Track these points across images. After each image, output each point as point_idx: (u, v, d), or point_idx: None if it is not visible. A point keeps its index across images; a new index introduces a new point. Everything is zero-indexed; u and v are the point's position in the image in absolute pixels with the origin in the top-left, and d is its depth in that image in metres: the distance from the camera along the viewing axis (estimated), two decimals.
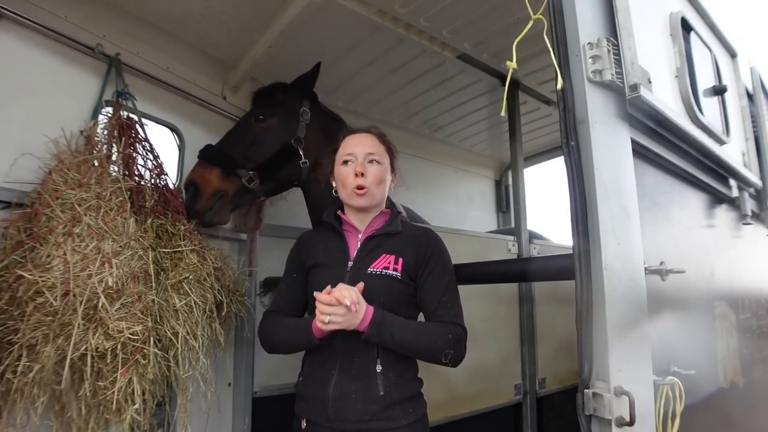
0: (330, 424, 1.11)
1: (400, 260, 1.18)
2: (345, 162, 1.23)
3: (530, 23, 1.02)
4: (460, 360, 1.14)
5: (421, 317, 1.24)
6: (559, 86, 0.92)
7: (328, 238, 1.27)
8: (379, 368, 1.12)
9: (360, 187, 1.19)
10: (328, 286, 1.06)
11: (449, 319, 1.16)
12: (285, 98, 1.76)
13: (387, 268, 1.17)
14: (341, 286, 1.06)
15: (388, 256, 1.19)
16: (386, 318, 1.08)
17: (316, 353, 1.19)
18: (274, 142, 1.67)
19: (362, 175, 1.20)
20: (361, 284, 1.10)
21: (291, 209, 2.05)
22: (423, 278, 1.20)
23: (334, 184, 1.29)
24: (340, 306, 1.02)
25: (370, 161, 1.22)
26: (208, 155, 1.65)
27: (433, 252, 1.21)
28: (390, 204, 1.37)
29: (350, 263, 1.20)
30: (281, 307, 1.27)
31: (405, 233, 1.24)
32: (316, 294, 1.06)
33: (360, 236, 1.24)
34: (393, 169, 1.30)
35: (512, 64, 0.99)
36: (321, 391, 1.13)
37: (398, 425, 1.10)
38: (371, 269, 1.17)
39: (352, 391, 1.11)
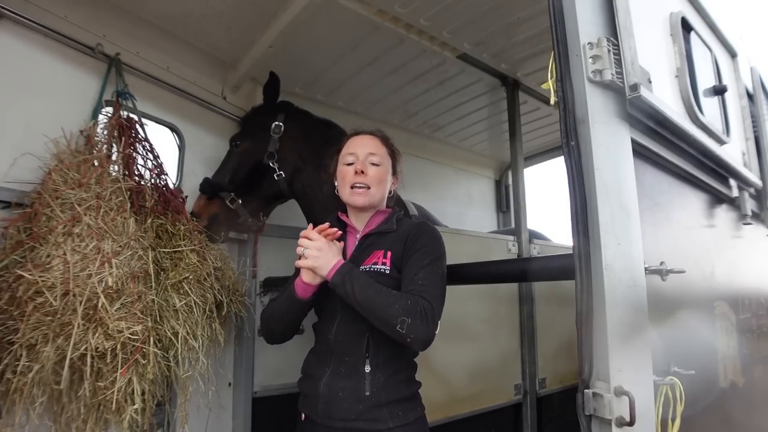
0: (320, 420, 1.13)
1: (389, 254, 1.18)
2: (348, 163, 1.25)
3: None
4: (420, 335, 1.04)
5: None
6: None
7: None
8: (367, 369, 1.12)
9: (359, 184, 1.21)
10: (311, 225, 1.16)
11: (416, 293, 1.09)
12: (258, 118, 1.87)
13: (375, 263, 1.17)
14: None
15: (379, 252, 1.20)
16: (353, 272, 1.09)
17: (314, 351, 1.23)
18: (246, 163, 1.82)
19: (362, 173, 1.21)
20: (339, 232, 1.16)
21: (291, 209, 2.05)
22: (405, 262, 1.17)
23: (336, 184, 1.30)
24: (317, 241, 1.10)
25: (372, 162, 1.23)
26: (202, 186, 1.81)
27: (419, 238, 1.19)
28: (396, 203, 1.36)
29: None
30: None
31: (399, 230, 1.23)
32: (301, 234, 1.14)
33: (358, 236, 1.25)
34: (395, 172, 1.30)
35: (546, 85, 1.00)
36: (314, 387, 1.15)
37: (384, 427, 1.09)
38: (362, 267, 1.18)
39: (339, 390, 1.12)
